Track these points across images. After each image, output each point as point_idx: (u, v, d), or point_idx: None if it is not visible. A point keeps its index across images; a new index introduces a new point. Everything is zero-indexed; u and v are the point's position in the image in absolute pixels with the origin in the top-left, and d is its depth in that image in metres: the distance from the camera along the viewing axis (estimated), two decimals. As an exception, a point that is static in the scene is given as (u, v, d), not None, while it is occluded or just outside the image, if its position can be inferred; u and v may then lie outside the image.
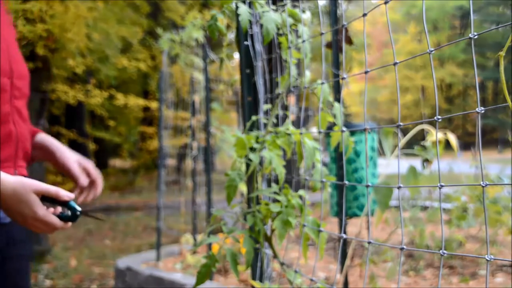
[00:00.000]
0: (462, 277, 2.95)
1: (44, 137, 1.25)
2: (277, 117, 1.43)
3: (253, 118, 1.43)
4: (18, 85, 1.12)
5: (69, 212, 1.02)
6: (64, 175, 1.22)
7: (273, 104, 1.38)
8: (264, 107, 1.50)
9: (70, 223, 1.02)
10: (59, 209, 1.02)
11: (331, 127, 1.36)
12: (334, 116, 1.24)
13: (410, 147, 2.35)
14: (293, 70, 1.27)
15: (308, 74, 1.26)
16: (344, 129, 1.11)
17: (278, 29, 1.23)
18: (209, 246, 3.28)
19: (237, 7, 1.21)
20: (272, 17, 1.19)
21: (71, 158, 1.21)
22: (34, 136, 1.25)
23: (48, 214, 0.98)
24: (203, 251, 3.85)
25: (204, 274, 1.21)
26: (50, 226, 0.98)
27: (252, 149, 1.26)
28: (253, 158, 1.23)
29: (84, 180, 1.19)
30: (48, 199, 1.00)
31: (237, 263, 1.21)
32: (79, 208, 1.03)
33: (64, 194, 1.00)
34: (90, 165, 1.22)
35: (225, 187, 1.23)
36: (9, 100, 1.08)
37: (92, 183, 1.21)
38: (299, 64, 1.48)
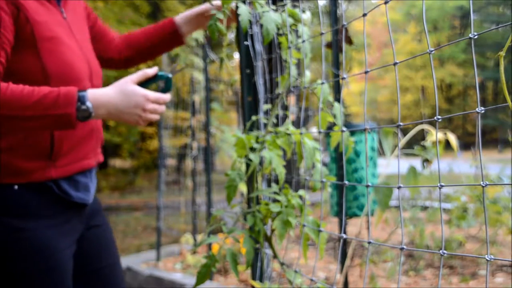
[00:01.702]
0: (462, 277, 2.95)
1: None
2: (277, 117, 1.43)
3: (253, 118, 1.43)
4: (96, 83, 1.19)
5: (163, 84, 1.12)
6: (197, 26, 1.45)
7: (273, 104, 1.38)
8: (264, 107, 1.49)
9: (169, 94, 1.13)
10: None
11: (331, 127, 1.36)
12: (334, 116, 1.24)
13: (410, 147, 2.36)
14: (293, 70, 1.27)
15: (308, 74, 1.26)
16: (344, 129, 1.11)
17: (278, 29, 1.22)
18: (209, 246, 3.28)
19: (237, 7, 1.21)
20: (272, 17, 1.19)
21: (187, 15, 1.40)
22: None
23: (154, 92, 1.08)
24: (203, 251, 3.85)
25: (204, 274, 1.21)
26: (160, 100, 1.09)
27: (252, 149, 1.26)
28: (253, 158, 1.23)
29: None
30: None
31: (237, 263, 1.21)
32: (167, 74, 1.13)
33: (150, 70, 1.11)
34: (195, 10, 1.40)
35: (225, 187, 1.23)
36: None
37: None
38: (299, 64, 1.48)
